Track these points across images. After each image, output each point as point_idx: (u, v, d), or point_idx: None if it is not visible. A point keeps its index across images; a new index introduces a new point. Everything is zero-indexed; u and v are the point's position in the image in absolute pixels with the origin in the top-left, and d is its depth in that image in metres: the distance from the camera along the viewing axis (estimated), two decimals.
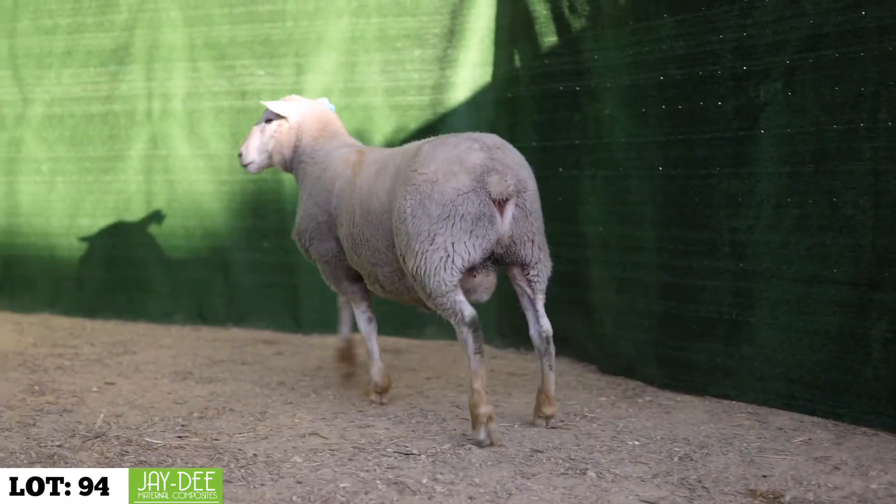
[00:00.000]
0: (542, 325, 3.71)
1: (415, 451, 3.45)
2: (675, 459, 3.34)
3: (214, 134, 6.17)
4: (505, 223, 3.58)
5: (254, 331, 6.00)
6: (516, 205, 3.60)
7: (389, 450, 3.48)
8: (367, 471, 3.24)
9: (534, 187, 3.71)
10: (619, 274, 4.65)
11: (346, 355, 4.49)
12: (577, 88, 4.85)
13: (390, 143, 5.65)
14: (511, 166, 3.62)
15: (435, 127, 5.55)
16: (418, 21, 5.68)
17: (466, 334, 3.51)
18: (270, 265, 6.06)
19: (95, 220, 6.48)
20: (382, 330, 4.48)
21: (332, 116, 4.48)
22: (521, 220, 3.62)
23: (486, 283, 3.74)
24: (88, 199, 6.50)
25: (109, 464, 3.33)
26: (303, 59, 5.92)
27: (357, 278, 4.23)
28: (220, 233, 6.19)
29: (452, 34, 5.59)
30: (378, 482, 3.12)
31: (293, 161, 4.41)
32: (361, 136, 5.68)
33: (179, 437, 3.67)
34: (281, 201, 5.99)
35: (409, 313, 5.14)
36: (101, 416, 3.95)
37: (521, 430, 3.73)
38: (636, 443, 3.55)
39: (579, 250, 4.86)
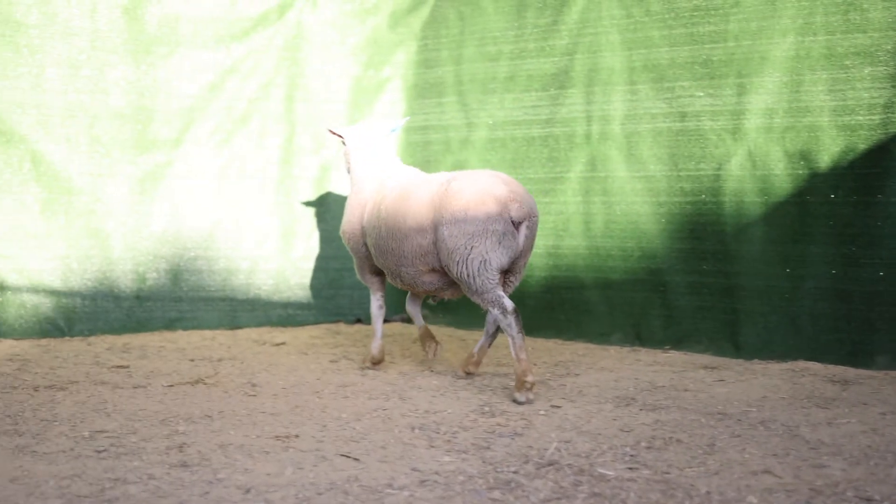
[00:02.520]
0: (509, 303, 5.49)
1: (876, 497, 3.65)
2: None
3: (652, 156, 7.15)
4: (520, 239, 5.46)
5: (692, 354, 6.77)
6: (527, 226, 5.48)
7: (849, 494, 3.70)
8: None
9: (538, 214, 5.59)
10: None
11: (428, 334, 6.34)
12: None
13: (838, 165, 6.35)
14: (524, 197, 5.50)
15: (886, 147, 6.15)
16: (869, 38, 6.26)
17: (511, 320, 5.35)
18: (709, 288, 6.89)
19: (536, 241, 7.69)
20: (828, 358, 5.86)
21: (380, 141, 6.36)
22: (529, 239, 5.53)
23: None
24: None
25: (565, 494, 3.78)
26: (745, 79, 6.72)
27: (378, 272, 6.26)
28: (658, 254, 7.14)
29: None
30: None
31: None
32: (806, 157, 6.45)
33: (630, 468, 4.09)
34: (721, 223, 6.80)
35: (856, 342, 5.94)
36: (553, 442, 4.48)
37: None
38: None
39: None
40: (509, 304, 5.41)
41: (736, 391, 5.65)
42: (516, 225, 5.44)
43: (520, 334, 5.37)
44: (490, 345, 6.07)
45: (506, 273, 5.62)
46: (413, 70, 8.45)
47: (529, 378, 5.32)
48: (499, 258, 5.42)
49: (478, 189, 5.47)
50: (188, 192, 7.79)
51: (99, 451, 4.33)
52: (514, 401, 5.34)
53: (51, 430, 4.68)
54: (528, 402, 5.31)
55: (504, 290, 5.60)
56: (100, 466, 4.11)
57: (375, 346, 6.26)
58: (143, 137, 7.62)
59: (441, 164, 8.08)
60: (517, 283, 5.77)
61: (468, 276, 5.44)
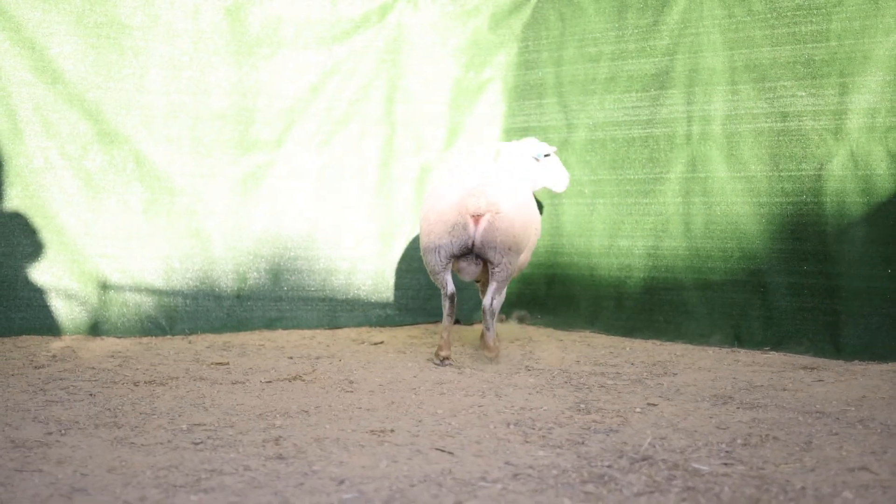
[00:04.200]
0: (484, 301, 6.39)
1: None
2: None
3: (753, 156, 7.17)
4: (477, 230, 6.17)
5: (792, 356, 6.81)
6: (488, 220, 6.15)
7: None
8: None
9: (510, 210, 6.19)
10: None
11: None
12: None
13: None
14: (486, 192, 6.18)
15: None
16: None
17: (445, 303, 6.41)
18: (810, 288, 6.90)
19: (634, 241, 7.78)
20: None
21: (505, 154, 7.11)
22: (495, 232, 6.16)
23: (470, 269, 6.38)
24: (628, 220, 7.83)
25: (658, 488, 3.84)
26: (847, 78, 6.72)
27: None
28: (758, 255, 7.17)
29: None
30: None
31: None
32: None
33: (725, 464, 4.15)
34: (822, 224, 6.81)
35: None
36: (648, 438, 4.54)
37: None
38: None
39: None
40: (450, 288, 6.39)
41: (835, 391, 5.69)
42: (475, 217, 6.20)
43: (448, 317, 6.42)
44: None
45: (488, 264, 6.35)
46: (513, 71, 8.58)
47: (443, 353, 6.43)
48: (448, 246, 6.28)
49: (439, 183, 6.58)
50: (288, 192, 8.00)
51: (196, 444, 4.51)
52: (434, 360, 6.51)
53: (149, 423, 4.87)
54: (442, 364, 6.42)
55: (491, 279, 6.38)
56: (196, 458, 4.28)
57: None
58: (244, 138, 7.85)
59: None
60: (505, 275, 6.35)
61: (424, 260, 6.45)
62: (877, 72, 6.62)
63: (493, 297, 6.41)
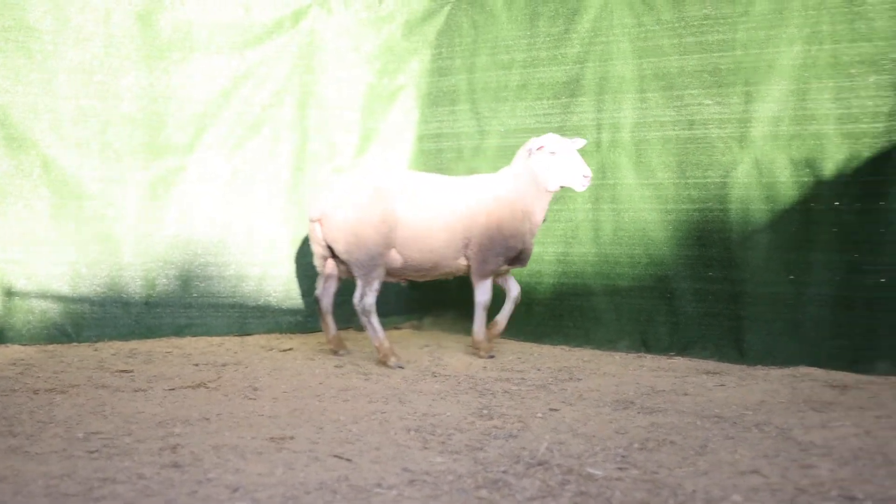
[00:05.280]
0: (353, 298, 6.86)
1: (860, 496, 3.77)
2: None
3: (661, 163, 7.26)
4: (317, 233, 6.85)
5: (697, 360, 6.91)
6: (319, 224, 6.81)
7: (833, 493, 3.84)
8: None
9: (341, 218, 6.75)
10: None
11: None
12: None
13: (842, 173, 6.46)
14: (321, 201, 6.86)
15: (889, 155, 6.26)
16: (874, 46, 6.36)
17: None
18: (715, 294, 7.00)
19: (544, 248, 7.80)
20: (830, 364, 6.15)
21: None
22: (327, 235, 6.82)
23: (340, 266, 7.03)
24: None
25: (551, 493, 3.89)
26: (752, 87, 6.83)
27: None
28: (665, 261, 7.25)
29: None
30: None
31: None
32: (811, 164, 6.55)
33: (620, 468, 4.22)
34: (727, 230, 6.92)
35: (858, 348, 6.08)
36: (545, 443, 4.59)
37: None
38: None
39: None
40: (317, 293, 7.17)
41: (735, 395, 5.79)
42: (318, 221, 6.87)
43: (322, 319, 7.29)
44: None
45: (336, 259, 7.01)
46: (427, 78, 8.60)
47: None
48: (314, 247, 7.05)
49: None
50: (200, 197, 7.92)
51: (91, 452, 4.45)
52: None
53: (45, 432, 4.80)
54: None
55: (339, 271, 7.10)
56: (90, 466, 4.22)
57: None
58: (154, 143, 7.76)
59: (453, 172, 8.17)
60: (360, 272, 6.83)
61: None
62: (781, 81, 6.73)
63: (359, 294, 6.82)
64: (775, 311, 6.73)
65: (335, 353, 7.15)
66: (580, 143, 6.89)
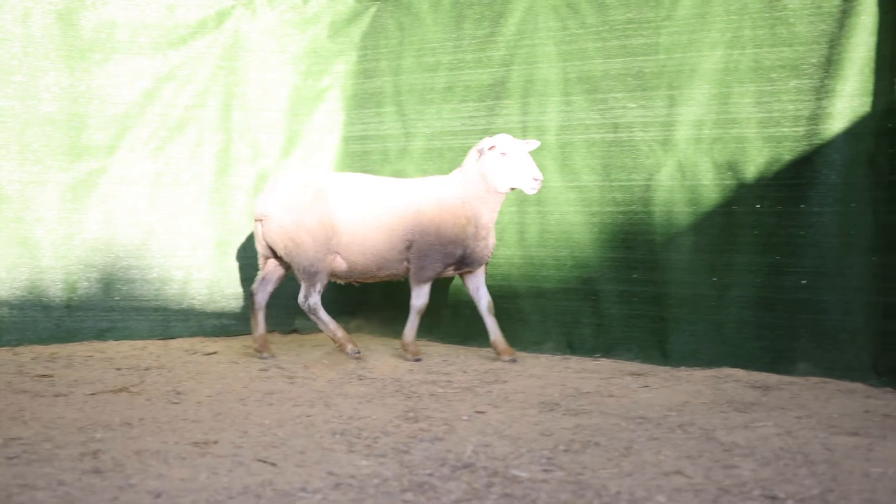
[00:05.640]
0: (298, 298, 7.00)
1: (781, 496, 3.86)
2: None
3: (586, 166, 7.30)
4: (259, 232, 6.98)
5: (621, 362, 6.96)
6: (261, 224, 6.91)
7: (755, 493, 3.92)
8: None
9: (279, 218, 6.85)
10: None
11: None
12: None
13: (764, 176, 6.56)
14: (264, 200, 6.95)
15: (810, 158, 6.36)
16: (795, 51, 6.46)
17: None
18: (639, 296, 7.06)
19: None
20: (752, 365, 6.32)
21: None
22: (266, 236, 6.95)
23: (269, 266, 7.15)
24: None
25: (476, 495, 3.91)
26: (675, 91, 6.90)
27: None
28: (590, 264, 7.29)
29: (830, 64, 6.35)
30: None
31: None
32: (733, 168, 6.64)
33: (545, 470, 4.25)
34: (651, 233, 6.98)
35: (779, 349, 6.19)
36: (471, 446, 4.61)
37: None
38: None
39: None
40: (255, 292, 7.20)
41: (659, 396, 5.84)
42: (260, 221, 6.98)
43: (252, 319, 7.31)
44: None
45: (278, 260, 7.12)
46: (352, 80, 8.56)
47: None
48: (258, 247, 7.15)
49: None
50: (122, 199, 7.80)
51: (10, 458, 4.35)
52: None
53: None
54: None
55: (281, 272, 7.21)
56: (9, 473, 4.14)
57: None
58: (75, 144, 7.65)
59: (379, 174, 8.15)
60: (300, 271, 6.94)
61: None
62: (703, 85, 6.81)
63: (303, 295, 6.97)
64: (698, 313, 6.81)
65: (260, 354, 7.09)
66: (533, 144, 6.88)
